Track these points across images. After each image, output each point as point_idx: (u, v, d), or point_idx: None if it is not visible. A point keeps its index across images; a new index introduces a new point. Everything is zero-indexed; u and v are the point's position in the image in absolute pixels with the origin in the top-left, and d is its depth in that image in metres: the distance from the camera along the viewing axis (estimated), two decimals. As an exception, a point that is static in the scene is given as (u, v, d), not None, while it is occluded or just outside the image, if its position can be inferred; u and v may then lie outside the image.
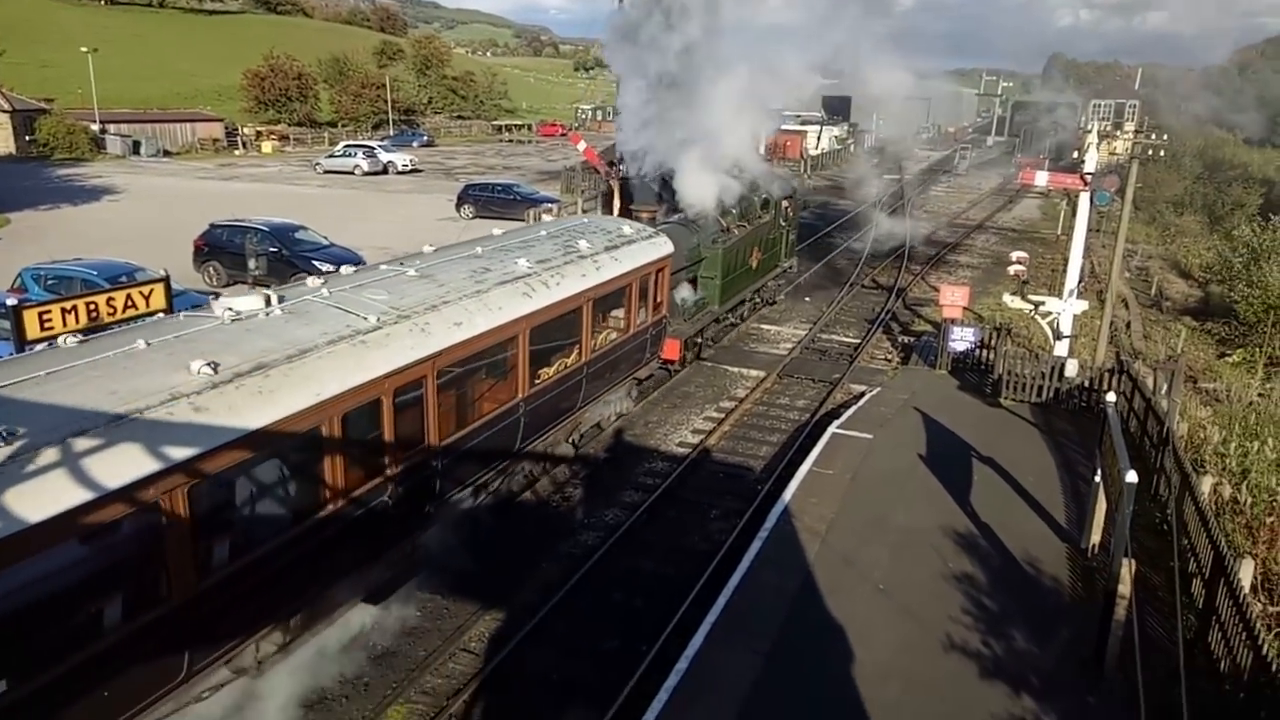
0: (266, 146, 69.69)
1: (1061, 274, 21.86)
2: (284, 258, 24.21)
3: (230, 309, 9.27)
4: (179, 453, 7.03)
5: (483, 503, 12.27)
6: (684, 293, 19.20)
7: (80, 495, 6.34)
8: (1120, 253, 20.35)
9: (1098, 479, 11.65)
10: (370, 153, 57.05)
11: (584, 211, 33.98)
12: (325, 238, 26.46)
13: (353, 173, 54.74)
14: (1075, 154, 20.78)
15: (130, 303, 13.22)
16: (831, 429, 15.91)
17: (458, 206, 40.12)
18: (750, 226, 21.99)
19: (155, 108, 76.45)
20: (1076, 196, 19.89)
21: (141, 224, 34.42)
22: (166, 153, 65.19)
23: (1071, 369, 17.68)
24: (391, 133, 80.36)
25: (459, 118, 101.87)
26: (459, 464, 10.96)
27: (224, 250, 25.31)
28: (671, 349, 18.04)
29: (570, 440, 15.10)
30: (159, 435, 7.02)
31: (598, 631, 10.79)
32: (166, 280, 13.76)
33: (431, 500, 10.63)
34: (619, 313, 15.46)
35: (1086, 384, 17.50)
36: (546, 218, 22.09)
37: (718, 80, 20.55)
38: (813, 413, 18.04)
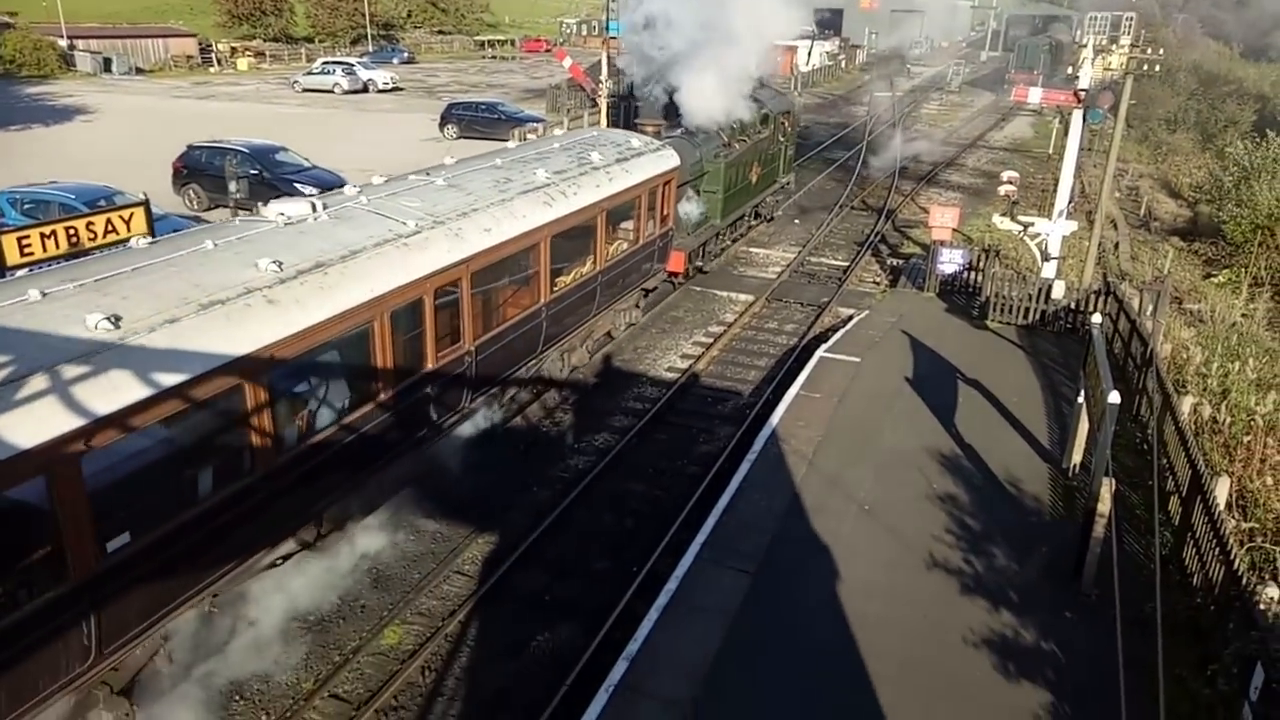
0: (242, 64, 67.54)
1: (1052, 194, 21.70)
2: (265, 180, 23.73)
3: (282, 214, 9.94)
4: (258, 339, 7.89)
5: (510, 400, 13.34)
6: (687, 207, 19.29)
7: (180, 375, 7.14)
8: (1111, 172, 20.18)
9: (1081, 400, 11.80)
10: (350, 70, 55.46)
11: (569, 130, 33.34)
12: (306, 159, 25.94)
13: (332, 91, 53.31)
14: (1070, 70, 20.53)
15: (110, 227, 12.96)
16: (819, 352, 15.99)
17: (441, 126, 39.29)
18: (750, 142, 21.97)
19: (125, 23, 73.76)
20: (1069, 114, 19.61)
21: (117, 145, 33.58)
22: (139, 70, 63.12)
23: (1058, 291, 17.73)
24: (371, 49, 78.01)
25: (440, 33, 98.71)
26: (491, 362, 11.84)
27: (203, 173, 24.78)
28: (676, 261, 18.38)
29: (585, 346, 15.77)
30: (240, 323, 7.86)
31: (589, 553, 11.01)
32: (146, 204, 13.47)
33: (468, 395, 11.55)
34: (628, 224, 15.94)
35: (1073, 305, 17.58)
36: (531, 137, 21.82)
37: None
38: (801, 336, 18.10)
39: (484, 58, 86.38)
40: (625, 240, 15.88)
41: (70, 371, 6.51)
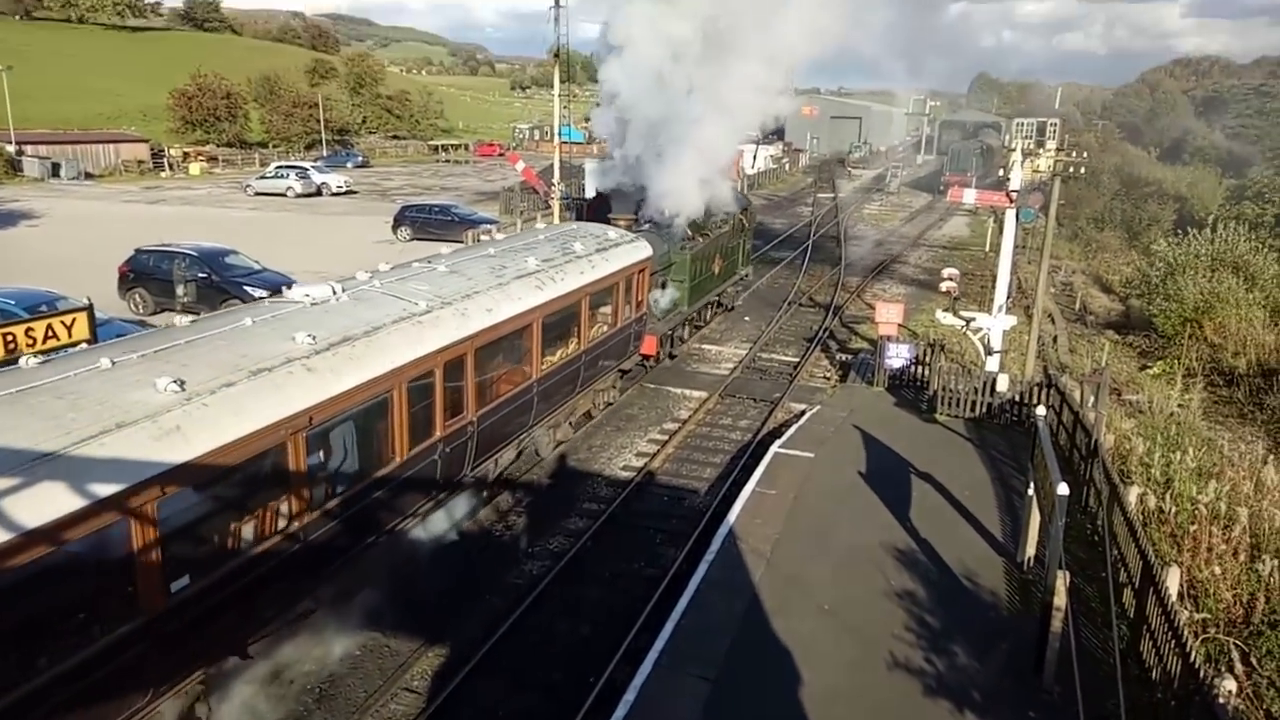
0: (194, 168, 67.97)
1: (991, 289, 22.46)
2: (214, 283, 23.57)
3: (307, 295, 11.08)
4: (301, 402, 8.82)
5: (502, 471, 14.37)
6: (656, 295, 20.58)
7: (239, 431, 8.10)
8: (1045, 268, 21.02)
9: (1031, 492, 11.94)
10: (303, 174, 56.02)
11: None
12: (257, 262, 25.85)
13: (285, 194, 53.69)
14: (1001, 171, 21.93)
15: (51, 333, 12.71)
16: (774, 448, 16.04)
17: (394, 228, 39.61)
18: (712, 236, 23.68)
19: (76, 128, 74.00)
20: (1003, 213, 20.49)
21: (63, 250, 33.17)
22: (89, 175, 63.09)
23: (1003, 384, 18.15)
24: (325, 153, 79.09)
25: (394, 138, 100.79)
26: (489, 432, 12.86)
27: (151, 277, 24.52)
28: (649, 345, 19.84)
29: (569, 422, 16.93)
30: (285, 387, 8.82)
31: (544, 663, 10.64)
32: (89, 309, 13.27)
33: (469, 461, 12.47)
34: (607, 309, 17.22)
35: (1017, 398, 17.98)
36: (485, 238, 22.31)
37: (693, 103, 22.37)
38: (755, 432, 18.17)
39: (438, 161, 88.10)
40: (605, 324, 17.10)
41: (146, 426, 7.46)
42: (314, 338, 9.60)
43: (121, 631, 7.11)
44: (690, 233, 22.30)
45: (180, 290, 20.55)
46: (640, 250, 18.27)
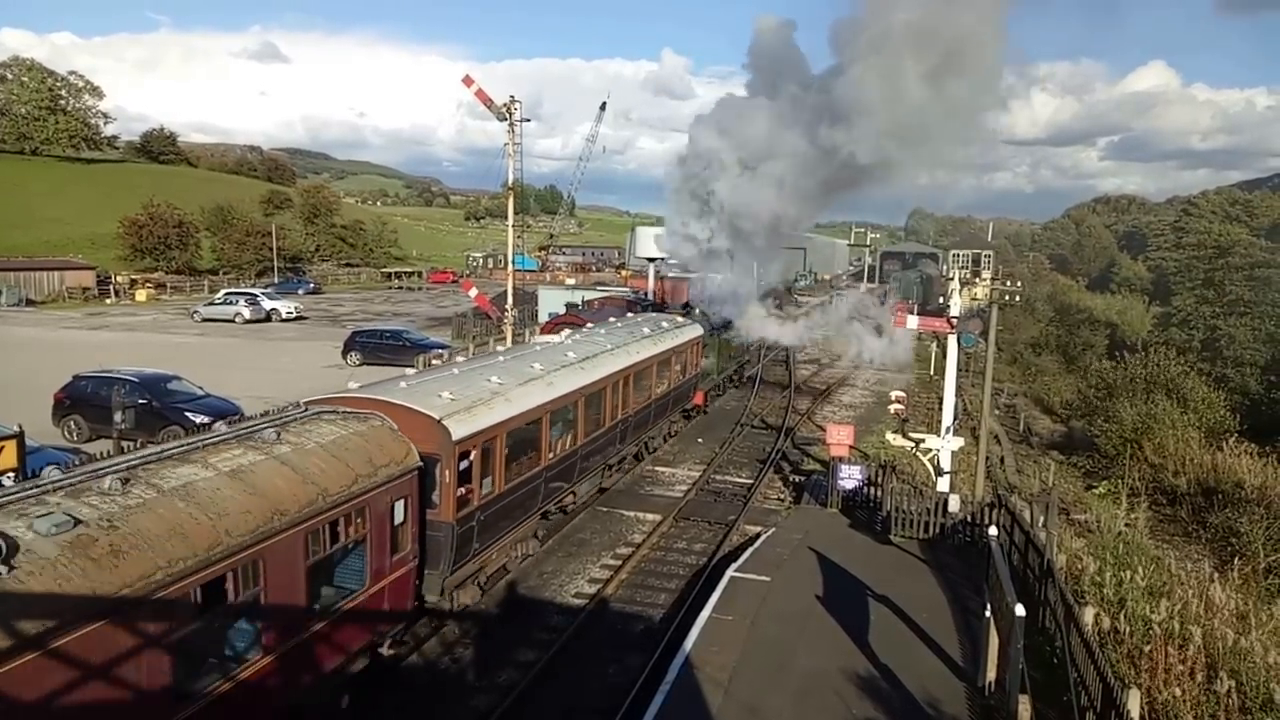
0: (141, 294, 67.33)
1: (938, 411, 22.87)
2: (154, 410, 22.95)
3: (552, 339, 20.59)
4: (581, 383, 17.91)
5: (631, 454, 23.41)
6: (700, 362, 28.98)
7: (570, 388, 17.26)
8: (989, 391, 21.55)
9: (988, 614, 11.81)
10: (253, 300, 55.86)
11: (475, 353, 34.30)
12: (200, 388, 25.35)
13: (233, 320, 53.33)
14: (941, 299, 23.14)
15: (-25, 461, 12.20)
16: (729, 572, 15.75)
17: (344, 353, 39.39)
18: (728, 331, 32.70)
19: (21, 256, 73.31)
20: (945, 338, 21.11)
21: (-4, 375, 32.22)
22: (30, 302, 62.17)
23: (954, 504, 18.23)
24: (276, 280, 79.20)
25: (347, 265, 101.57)
26: (635, 423, 22.06)
27: (88, 403, 23.79)
28: (699, 397, 28.92)
29: (661, 435, 25.93)
30: (576, 376, 17.90)
31: (491, 808, 9.96)
32: (19, 436, 12.85)
33: (628, 438, 21.79)
34: (678, 366, 25.94)
35: (969, 518, 18.03)
36: (436, 363, 22.59)
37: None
38: (710, 556, 17.86)
39: (391, 288, 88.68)
40: (679, 375, 26.00)
41: (539, 381, 16.32)
42: (576, 354, 18.73)
43: (537, 469, 15.73)
44: (713, 325, 31.02)
45: (118, 416, 19.88)
46: (696, 329, 28.02)
